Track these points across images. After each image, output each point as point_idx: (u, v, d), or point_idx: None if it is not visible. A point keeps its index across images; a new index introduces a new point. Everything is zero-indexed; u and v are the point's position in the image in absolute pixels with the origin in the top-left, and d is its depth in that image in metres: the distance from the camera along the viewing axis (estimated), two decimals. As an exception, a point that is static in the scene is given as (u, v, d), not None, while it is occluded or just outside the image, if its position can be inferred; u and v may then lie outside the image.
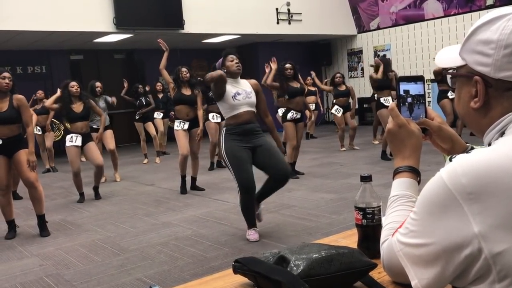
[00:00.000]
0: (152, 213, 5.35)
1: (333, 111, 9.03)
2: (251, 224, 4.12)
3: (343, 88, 9.08)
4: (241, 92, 4.09)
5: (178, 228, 4.66)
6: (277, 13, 12.40)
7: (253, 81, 4.33)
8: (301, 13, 12.71)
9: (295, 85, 6.81)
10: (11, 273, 3.73)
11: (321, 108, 11.96)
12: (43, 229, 4.78)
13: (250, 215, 4.09)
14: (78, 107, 6.17)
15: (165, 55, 6.37)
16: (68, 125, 6.37)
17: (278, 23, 12.47)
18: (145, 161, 9.44)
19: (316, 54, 14.72)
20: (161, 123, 9.92)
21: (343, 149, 9.16)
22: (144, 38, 11.46)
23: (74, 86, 6.13)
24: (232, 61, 4.12)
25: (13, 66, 11.62)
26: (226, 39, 12.57)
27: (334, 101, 9.10)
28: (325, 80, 9.36)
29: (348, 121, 8.98)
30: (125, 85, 9.72)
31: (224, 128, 4.10)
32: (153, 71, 13.32)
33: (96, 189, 6.43)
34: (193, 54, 14.13)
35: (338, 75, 9.20)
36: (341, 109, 8.92)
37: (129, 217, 5.24)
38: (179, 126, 6.27)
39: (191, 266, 3.60)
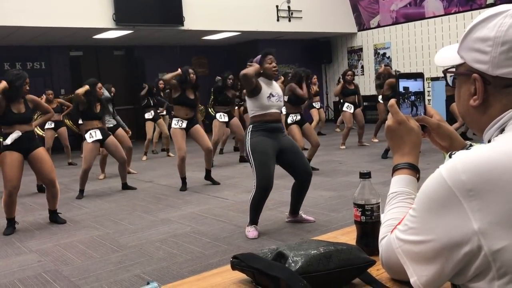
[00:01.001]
0: (151, 210, 5.35)
1: (344, 108, 9.00)
2: (254, 221, 4.12)
3: (352, 86, 9.13)
4: (275, 94, 4.15)
5: (177, 225, 4.66)
6: (277, 10, 12.38)
7: (281, 84, 4.39)
8: (301, 11, 12.69)
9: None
10: (9, 269, 3.73)
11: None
12: (59, 220, 5.01)
13: (257, 212, 4.10)
14: (97, 106, 6.36)
15: (174, 73, 6.35)
16: (69, 123, 6.43)
17: (278, 20, 12.45)
18: (144, 158, 9.44)
19: (316, 51, 14.71)
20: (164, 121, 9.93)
21: (343, 147, 9.17)
22: (144, 34, 11.45)
23: (101, 88, 6.42)
24: (271, 63, 4.12)
25: (12, 61, 11.61)
26: (226, 36, 12.56)
27: (343, 99, 9.11)
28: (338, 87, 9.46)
29: (358, 118, 9.05)
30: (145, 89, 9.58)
31: (251, 125, 4.11)
32: (153, 68, 13.34)
33: (125, 184, 6.59)
34: (193, 51, 14.11)
35: (349, 72, 9.23)
36: (352, 106, 8.95)
37: (127, 214, 5.24)
38: (177, 124, 6.25)
39: (189, 263, 3.60)
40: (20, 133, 4.66)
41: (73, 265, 3.71)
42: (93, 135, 6.18)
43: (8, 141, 4.62)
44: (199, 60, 14.39)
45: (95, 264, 3.69)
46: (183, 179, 6.37)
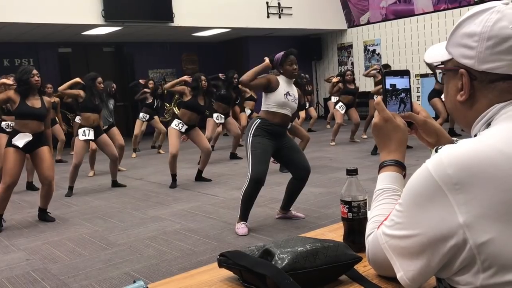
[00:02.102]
0: (140, 207, 5.33)
1: (337, 107, 9.05)
2: (244, 217, 4.12)
3: (352, 86, 9.15)
4: (292, 94, 4.16)
5: (166, 222, 4.64)
6: (268, 7, 12.36)
7: (298, 89, 4.52)
8: (291, 7, 12.69)
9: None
10: (-3, 267, 3.69)
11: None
12: (47, 218, 4.99)
13: (248, 207, 4.10)
14: (95, 99, 6.27)
15: (176, 80, 6.60)
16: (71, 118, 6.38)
17: (268, 17, 12.43)
18: (133, 155, 9.39)
19: (307, 48, 14.70)
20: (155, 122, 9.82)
21: (333, 143, 9.20)
22: (133, 31, 11.38)
23: (101, 83, 6.31)
24: (291, 65, 4.12)
25: (0, 58, 11.48)
26: (216, 32, 12.52)
27: (338, 98, 9.13)
28: (332, 79, 9.43)
29: (353, 116, 9.08)
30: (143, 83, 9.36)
31: (259, 120, 4.09)
32: (143, 65, 13.27)
33: (115, 182, 6.56)
34: (183, 48, 14.05)
35: (349, 72, 9.27)
36: (344, 106, 9.00)
37: (117, 212, 5.21)
38: (177, 126, 6.22)
39: (179, 260, 3.59)
40: (31, 137, 4.68)
41: (62, 263, 3.69)
42: (86, 134, 6.13)
43: (19, 144, 4.64)
44: (189, 57, 14.32)
45: (84, 262, 3.67)
46: (173, 176, 6.35)
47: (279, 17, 12.62)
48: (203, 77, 6.39)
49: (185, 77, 6.75)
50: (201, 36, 12.92)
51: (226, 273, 1.14)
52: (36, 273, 3.51)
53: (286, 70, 4.14)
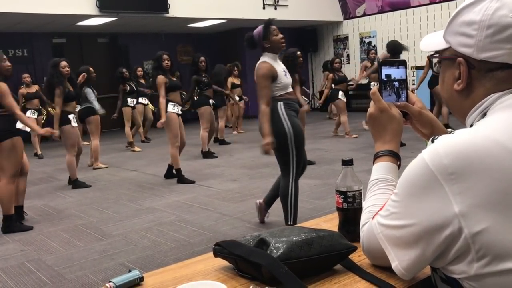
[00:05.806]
0: (136, 199, 5.32)
1: (340, 96, 8.77)
2: (296, 219, 3.70)
3: (341, 73, 9.03)
4: (284, 70, 3.69)
5: (162, 214, 4.64)
6: (263, -2, 12.31)
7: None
8: (287, -1, 12.64)
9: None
10: (-8, 258, 3.69)
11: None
12: (22, 227, 4.49)
13: (297, 207, 3.72)
14: (70, 87, 5.96)
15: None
16: (50, 109, 6.18)
17: (264, 8, 12.37)
18: (136, 148, 9.26)
19: (303, 40, 14.66)
20: (148, 110, 9.75)
21: (344, 134, 9.02)
22: (128, 22, 11.30)
23: (65, 66, 5.80)
24: (277, 34, 3.58)
25: (-7, 48, 11.39)
26: (211, 23, 12.46)
27: (335, 87, 8.92)
28: (323, 84, 9.20)
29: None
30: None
31: (282, 102, 3.55)
32: (137, 56, 13.19)
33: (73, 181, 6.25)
34: (178, 39, 13.98)
35: (337, 60, 9.14)
36: (344, 94, 8.78)
37: (112, 203, 5.21)
38: (174, 109, 5.96)
39: (174, 251, 3.60)
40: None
41: (56, 254, 3.68)
42: (75, 120, 5.90)
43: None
44: (184, 48, 14.26)
45: (79, 253, 3.67)
46: (179, 170, 6.03)
47: (275, 8, 12.55)
48: (165, 56, 6.01)
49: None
50: (196, 27, 12.85)
51: (221, 262, 1.14)
52: (31, 264, 3.51)
53: (273, 41, 3.56)
